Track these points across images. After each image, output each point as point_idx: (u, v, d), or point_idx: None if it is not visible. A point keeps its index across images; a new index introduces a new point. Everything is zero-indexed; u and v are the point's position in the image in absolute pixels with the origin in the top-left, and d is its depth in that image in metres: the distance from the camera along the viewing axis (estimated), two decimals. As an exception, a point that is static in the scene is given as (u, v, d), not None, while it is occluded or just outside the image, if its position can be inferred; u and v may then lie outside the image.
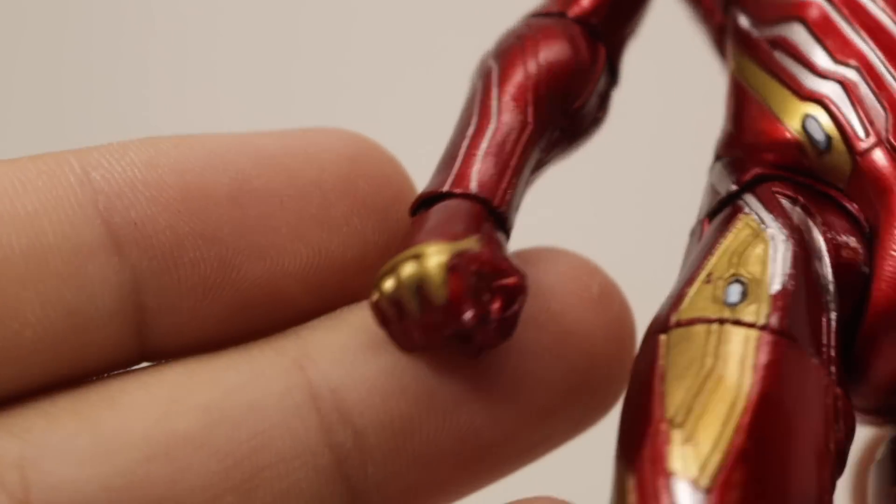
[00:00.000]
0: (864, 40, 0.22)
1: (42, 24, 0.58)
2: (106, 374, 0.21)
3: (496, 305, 0.20)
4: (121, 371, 0.21)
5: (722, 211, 0.22)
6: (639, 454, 0.18)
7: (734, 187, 0.22)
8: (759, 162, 0.22)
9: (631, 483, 0.18)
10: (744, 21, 0.23)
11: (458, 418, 0.21)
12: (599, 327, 0.22)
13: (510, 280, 0.20)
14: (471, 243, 0.20)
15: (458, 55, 0.29)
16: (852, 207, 0.21)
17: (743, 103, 0.23)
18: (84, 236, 0.20)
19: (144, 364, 0.21)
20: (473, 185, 0.21)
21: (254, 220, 0.21)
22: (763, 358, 0.19)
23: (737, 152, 0.23)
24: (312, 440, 0.20)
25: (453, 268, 0.20)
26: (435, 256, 0.20)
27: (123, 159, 0.20)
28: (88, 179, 0.20)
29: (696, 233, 0.22)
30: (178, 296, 0.20)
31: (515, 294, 0.20)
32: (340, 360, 0.21)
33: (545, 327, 0.21)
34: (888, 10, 0.22)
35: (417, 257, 0.20)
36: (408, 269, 0.20)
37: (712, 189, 0.23)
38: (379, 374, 0.20)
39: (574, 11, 0.23)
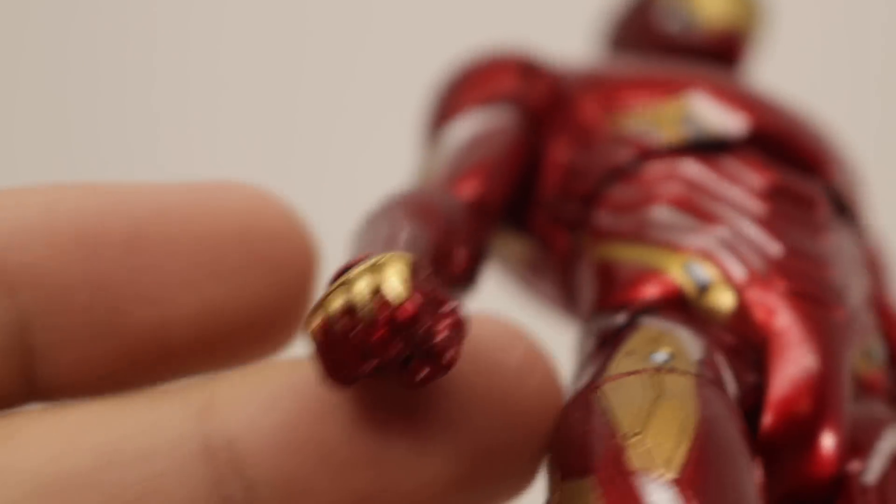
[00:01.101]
0: (727, 210, 0.24)
1: (46, 52, 0.59)
2: (6, 411, 0.21)
3: (445, 324, 0.19)
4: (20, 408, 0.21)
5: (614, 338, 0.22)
6: (596, 461, 0.18)
7: (625, 315, 0.23)
8: (641, 305, 0.23)
9: (590, 483, 0.18)
10: (604, 219, 0.25)
11: (352, 482, 0.20)
12: (519, 395, 0.21)
13: (458, 309, 0.19)
14: (420, 266, 0.20)
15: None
16: (729, 339, 0.22)
17: (611, 270, 0.24)
18: None
19: (34, 404, 0.21)
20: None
21: (145, 268, 0.21)
22: (703, 392, 0.20)
23: (614, 303, 0.23)
24: (202, 491, 0.20)
25: (413, 274, 0.19)
26: (396, 262, 0.19)
27: (24, 202, 0.21)
28: None
29: (589, 362, 0.22)
30: (67, 339, 0.21)
31: (461, 324, 0.19)
32: (242, 411, 0.20)
33: (456, 392, 0.20)
34: (736, 187, 0.24)
35: (375, 266, 0.19)
36: (366, 277, 0.19)
37: (599, 333, 0.23)
38: (276, 429, 0.20)
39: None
